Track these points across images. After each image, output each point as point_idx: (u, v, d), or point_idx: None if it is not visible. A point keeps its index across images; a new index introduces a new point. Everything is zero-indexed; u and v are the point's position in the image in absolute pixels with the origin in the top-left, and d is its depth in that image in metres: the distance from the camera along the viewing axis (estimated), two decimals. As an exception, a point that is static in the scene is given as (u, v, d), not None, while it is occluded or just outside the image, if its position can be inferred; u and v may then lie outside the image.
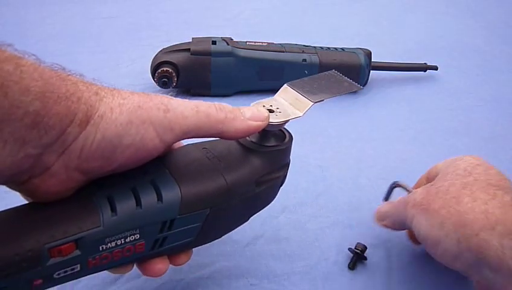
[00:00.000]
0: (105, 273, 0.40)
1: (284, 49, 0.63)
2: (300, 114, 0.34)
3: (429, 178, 0.41)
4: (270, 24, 0.84)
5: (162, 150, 0.30)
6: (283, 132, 0.36)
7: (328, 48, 0.66)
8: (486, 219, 0.32)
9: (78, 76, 0.28)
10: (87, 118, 0.26)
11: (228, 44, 0.62)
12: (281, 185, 0.37)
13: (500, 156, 0.55)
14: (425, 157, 0.55)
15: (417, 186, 0.42)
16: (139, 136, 0.28)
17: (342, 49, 0.66)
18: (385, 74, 0.69)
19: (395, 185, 0.42)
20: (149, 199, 0.29)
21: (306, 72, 0.63)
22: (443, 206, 0.34)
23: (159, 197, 0.29)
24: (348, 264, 0.42)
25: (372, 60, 0.66)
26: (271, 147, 0.34)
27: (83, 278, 0.39)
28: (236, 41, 0.63)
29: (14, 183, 0.27)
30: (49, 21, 0.80)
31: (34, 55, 0.25)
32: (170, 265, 0.33)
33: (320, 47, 0.65)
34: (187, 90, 0.64)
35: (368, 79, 0.67)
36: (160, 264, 0.32)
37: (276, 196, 0.37)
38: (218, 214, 0.32)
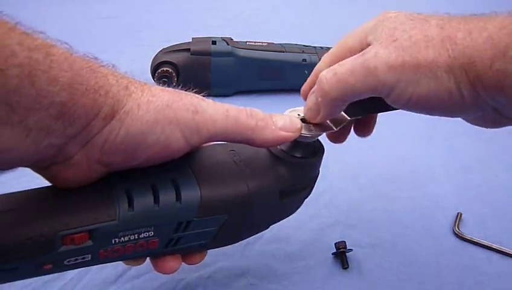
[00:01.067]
0: (106, 272, 0.40)
1: (284, 49, 0.63)
2: (335, 129, 0.33)
3: (355, 49, 0.33)
4: (270, 24, 0.84)
5: (186, 150, 0.29)
6: (315, 144, 0.35)
7: (328, 48, 0.65)
8: (494, 46, 0.26)
9: (110, 67, 0.28)
10: (113, 112, 0.26)
11: (228, 44, 0.62)
12: (306, 197, 0.36)
13: (500, 156, 0.55)
14: (425, 158, 0.55)
15: (337, 59, 0.33)
16: (163, 136, 0.27)
17: (342, 49, 0.66)
18: (385, 74, 0.69)
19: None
20: (168, 197, 0.28)
21: (306, 72, 0.63)
22: (438, 53, 0.28)
23: (178, 197, 0.29)
24: (342, 266, 0.42)
25: (372, 60, 0.66)
26: (301, 158, 0.33)
27: (84, 276, 0.40)
28: (236, 41, 0.63)
29: (36, 167, 0.27)
30: (49, 21, 0.80)
31: (66, 43, 0.25)
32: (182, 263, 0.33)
33: (320, 47, 0.65)
34: (187, 90, 0.64)
35: (367, 79, 0.67)
36: (173, 262, 0.32)
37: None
38: (236, 220, 0.32)
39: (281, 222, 0.46)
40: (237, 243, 0.43)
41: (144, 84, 0.28)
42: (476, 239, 0.44)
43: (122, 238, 0.28)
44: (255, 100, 0.63)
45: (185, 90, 0.31)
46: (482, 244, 0.44)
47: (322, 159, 0.34)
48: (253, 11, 0.88)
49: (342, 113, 0.34)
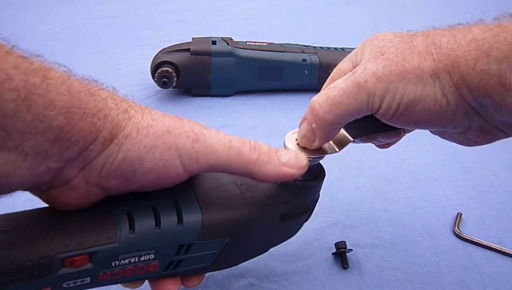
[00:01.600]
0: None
1: (284, 49, 0.63)
2: (338, 151, 0.33)
3: (348, 71, 0.33)
4: (270, 24, 0.84)
5: (185, 178, 0.28)
6: (316, 167, 0.34)
7: (328, 48, 0.66)
8: (478, 47, 0.26)
9: (109, 90, 0.27)
10: (112, 136, 0.26)
11: (228, 44, 0.62)
12: (307, 220, 0.36)
13: (500, 156, 0.55)
14: (425, 157, 0.55)
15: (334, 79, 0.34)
16: (162, 162, 0.27)
17: (342, 49, 0.66)
18: (385, 74, 0.69)
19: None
20: (169, 220, 0.28)
21: (306, 72, 0.63)
22: (423, 58, 0.28)
23: (180, 220, 0.28)
24: (342, 266, 0.42)
25: (372, 60, 0.66)
26: (303, 181, 0.33)
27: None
28: (236, 41, 0.63)
29: (34, 191, 0.26)
30: (49, 21, 0.80)
31: (64, 66, 0.25)
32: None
33: (320, 47, 0.65)
34: (187, 90, 0.64)
35: (367, 79, 0.67)
36: (171, 285, 0.31)
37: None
38: (238, 243, 0.31)
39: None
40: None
41: (145, 108, 0.28)
42: (476, 239, 0.44)
43: (122, 261, 0.27)
44: (255, 100, 0.63)
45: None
46: (482, 244, 0.44)
47: (323, 182, 0.34)
48: (253, 11, 0.88)
49: (345, 134, 0.33)
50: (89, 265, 0.27)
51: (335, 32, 0.82)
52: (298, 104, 0.63)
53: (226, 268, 0.34)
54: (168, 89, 0.62)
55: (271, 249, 0.43)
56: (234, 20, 0.85)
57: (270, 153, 0.30)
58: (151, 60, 0.61)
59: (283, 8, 0.91)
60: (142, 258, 0.28)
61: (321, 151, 0.33)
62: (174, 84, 0.60)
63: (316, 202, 0.36)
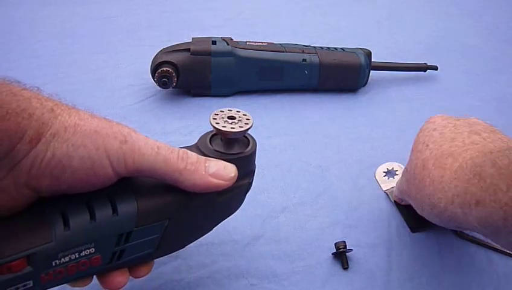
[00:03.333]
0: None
1: (284, 49, 0.63)
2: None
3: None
4: (270, 24, 0.84)
5: (115, 180, 0.29)
6: (247, 138, 0.35)
7: (328, 48, 0.65)
8: (446, 196, 0.34)
9: (33, 90, 0.27)
10: (39, 135, 0.25)
11: (228, 44, 0.62)
12: (247, 192, 0.36)
13: (500, 156, 0.55)
14: (425, 157, 0.55)
15: None
16: (90, 161, 0.27)
17: (342, 49, 0.66)
18: (385, 74, 0.69)
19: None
20: (104, 212, 0.28)
21: (306, 72, 0.63)
22: (416, 192, 0.39)
23: (114, 210, 0.29)
24: (342, 266, 0.42)
25: (372, 60, 0.66)
26: (234, 154, 0.33)
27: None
28: (236, 41, 0.63)
29: None
30: (49, 21, 0.80)
31: None
32: (130, 277, 0.33)
33: (320, 47, 0.65)
34: (187, 91, 0.64)
35: (367, 79, 0.67)
36: (120, 277, 0.31)
37: (243, 204, 0.36)
38: (178, 225, 0.32)
39: (281, 222, 0.46)
40: (237, 243, 0.43)
41: (72, 107, 0.28)
42: (476, 239, 0.44)
43: (62, 259, 0.27)
44: (255, 100, 0.63)
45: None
46: (483, 244, 0.44)
47: (255, 152, 0.34)
48: (253, 11, 0.88)
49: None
50: (28, 268, 0.26)
51: (335, 32, 0.82)
52: (298, 104, 0.63)
53: (172, 252, 0.34)
54: (168, 89, 0.62)
55: (271, 249, 0.43)
56: (234, 20, 0.85)
57: (198, 163, 0.30)
58: (151, 60, 0.61)
59: (283, 8, 0.91)
60: (82, 253, 0.28)
61: (247, 122, 0.33)
62: (174, 84, 0.60)
63: (253, 173, 0.35)
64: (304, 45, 0.65)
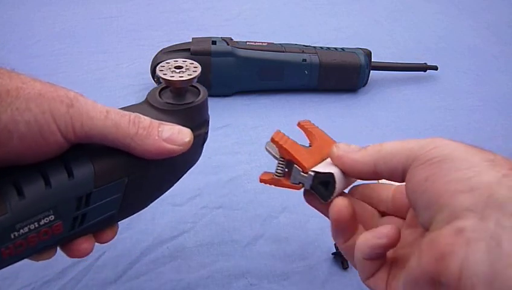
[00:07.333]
0: (106, 272, 0.40)
1: (284, 49, 0.63)
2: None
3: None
4: (270, 24, 0.84)
5: (66, 147, 0.27)
6: (197, 88, 0.34)
7: (328, 48, 0.66)
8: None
9: None
10: None
11: (228, 44, 0.62)
12: (203, 144, 0.35)
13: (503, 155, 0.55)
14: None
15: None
16: (37, 126, 0.25)
17: (342, 49, 0.66)
18: (385, 74, 0.69)
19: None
20: (59, 176, 0.27)
21: (306, 72, 0.63)
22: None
23: (70, 174, 0.27)
24: (342, 266, 0.42)
25: (372, 60, 0.66)
26: (185, 104, 0.32)
27: (84, 277, 0.40)
28: (236, 41, 0.63)
29: None
30: (49, 21, 0.80)
31: None
32: (96, 243, 0.31)
33: (320, 47, 0.65)
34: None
35: (367, 79, 0.67)
36: (85, 244, 0.30)
37: (201, 155, 0.36)
38: (138, 182, 0.31)
39: (281, 221, 0.46)
40: (237, 243, 0.43)
41: (11, 70, 0.26)
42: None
43: (21, 230, 0.26)
44: (255, 100, 0.63)
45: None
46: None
47: (207, 100, 0.34)
48: (253, 11, 0.88)
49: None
50: None
51: (335, 32, 0.82)
52: (298, 104, 0.63)
53: (136, 212, 0.33)
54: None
55: (271, 249, 0.43)
56: (234, 20, 0.85)
57: (151, 127, 0.29)
58: (151, 60, 0.61)
59: (283, 8, 0.91)
60: (42, 222, 0.27)
61: (193, 70, 0.33)
62: (174, 84, 0.60)
63: (207, 123, 0.35)
64: (304, 45, 0.66)
